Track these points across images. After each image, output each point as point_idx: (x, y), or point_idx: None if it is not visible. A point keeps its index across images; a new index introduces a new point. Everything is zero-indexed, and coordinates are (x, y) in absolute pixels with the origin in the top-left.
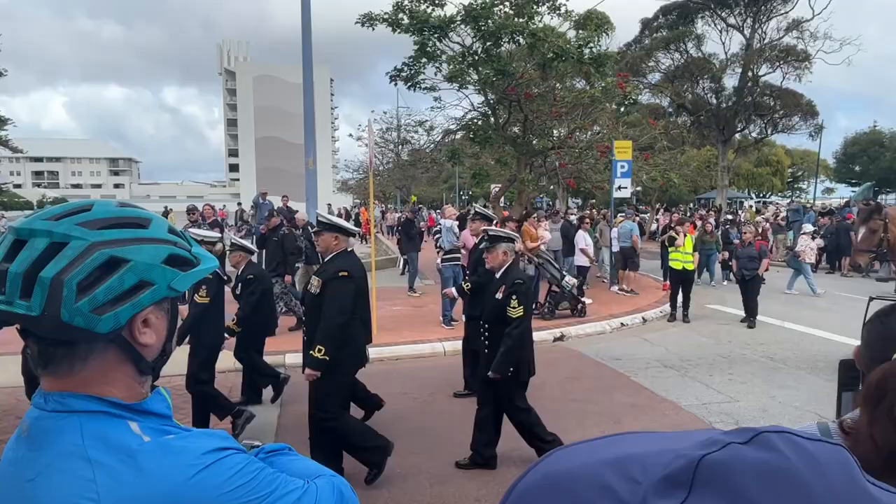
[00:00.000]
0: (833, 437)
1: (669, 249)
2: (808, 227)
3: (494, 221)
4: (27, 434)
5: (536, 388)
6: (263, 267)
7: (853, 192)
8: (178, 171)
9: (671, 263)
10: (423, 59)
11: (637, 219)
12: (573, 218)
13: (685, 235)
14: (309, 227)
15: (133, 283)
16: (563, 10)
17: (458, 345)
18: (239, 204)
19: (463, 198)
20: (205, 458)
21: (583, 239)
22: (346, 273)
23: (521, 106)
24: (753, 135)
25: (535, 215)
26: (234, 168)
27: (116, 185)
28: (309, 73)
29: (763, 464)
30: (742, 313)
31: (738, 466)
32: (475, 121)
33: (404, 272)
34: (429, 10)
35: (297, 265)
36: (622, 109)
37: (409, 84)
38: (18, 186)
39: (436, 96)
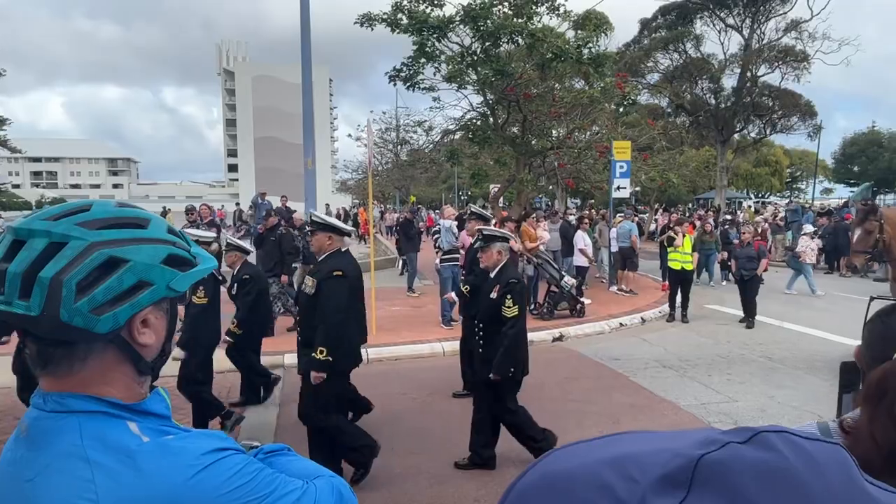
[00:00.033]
0: (833, 437)
1: (668, 250)
2: (809, 228)
3: (493, 221)
4: (26, 434)
5: (535, 388)
6: (260, 267)
7: (852, 192)
8: (177, 172)
9: (670, 264)
10: (422, 60)
11: (636, 219)
12: (572, 218)
13: (684, 236)
14: (306, 227)
15: (132, 283)
16: (561, 10)
17: (458, 345)
18: (237, 204)
19: (462, 198)
20: (204, 458)
21: (582, 239)
22: (340, 272)
23: (520, 106)
24: (752, 135)
25: (533, 215)
26: (232, 168)
27: (115, 186)
28: (308, 73)
29: (762, 463)
30: (741, 313)
31: (736, 466)
32: (474, 121)
33: (403, 272)
34: (428, 11)
35: (294, 265)
36: (621, 110)
37: (408, 84)
38: (17, 186)
39: (435, 96)
